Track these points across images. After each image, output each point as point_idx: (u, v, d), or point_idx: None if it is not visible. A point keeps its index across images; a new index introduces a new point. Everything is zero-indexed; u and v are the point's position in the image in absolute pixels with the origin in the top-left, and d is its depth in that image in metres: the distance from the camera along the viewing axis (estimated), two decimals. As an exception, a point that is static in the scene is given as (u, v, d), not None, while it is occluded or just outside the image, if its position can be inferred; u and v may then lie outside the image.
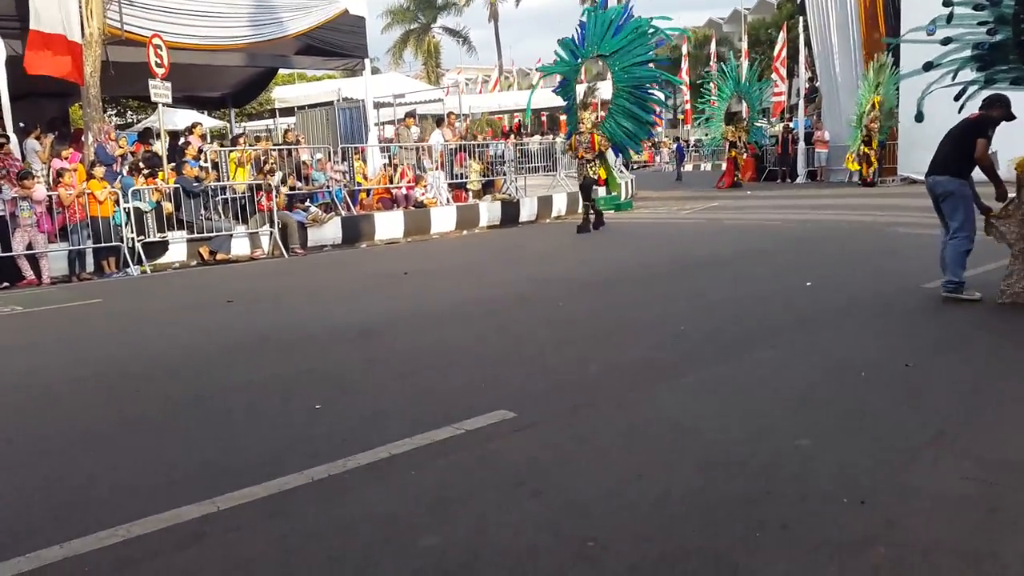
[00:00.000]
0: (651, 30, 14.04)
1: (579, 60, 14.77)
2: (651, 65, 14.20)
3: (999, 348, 5.42)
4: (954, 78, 6.51)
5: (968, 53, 6.38)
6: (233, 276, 10.94)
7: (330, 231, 13.59)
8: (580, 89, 14.92)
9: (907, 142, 20.80)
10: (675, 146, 37.66)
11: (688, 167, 37.40)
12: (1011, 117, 6.34)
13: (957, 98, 6.78)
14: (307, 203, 13.80)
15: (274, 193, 12.80)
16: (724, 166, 25.74)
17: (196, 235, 12.16)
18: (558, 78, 15.02)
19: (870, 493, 3.19)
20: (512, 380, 5.05)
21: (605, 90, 17.21)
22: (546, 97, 19.71)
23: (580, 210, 14.37)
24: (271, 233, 12.66)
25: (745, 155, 24.53)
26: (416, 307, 7.76)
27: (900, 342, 5.64)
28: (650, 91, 14.29)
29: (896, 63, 19.74)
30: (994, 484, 3.27)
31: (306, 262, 12.13)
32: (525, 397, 4.63)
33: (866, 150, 20.97)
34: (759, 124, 25.36)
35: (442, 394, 4.80)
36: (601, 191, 17.17)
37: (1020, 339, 5.63)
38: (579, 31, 14.61)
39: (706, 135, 26.78)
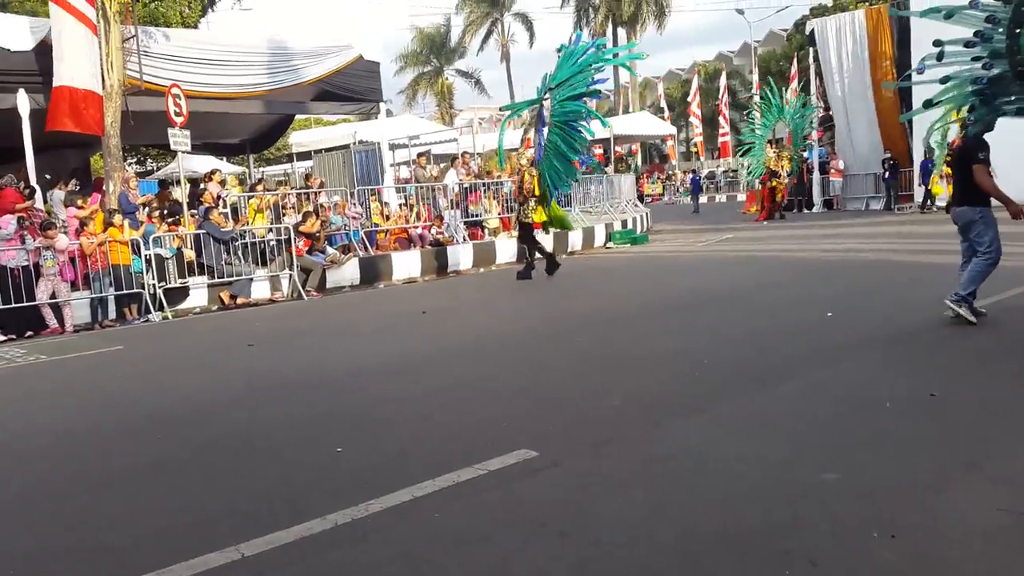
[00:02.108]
0: (596, 65, 12.65)
1: (539, 96, 13.40)
2: (585, 100, 12.76)
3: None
4: (958, 113, 6.53)
5: (968, 89, 6.39)
6: (254, 319, 11.02)
7: (348, 272, 13.70)
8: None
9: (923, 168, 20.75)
10: (690, 178, 37.78)
11: (704, 199, 37.40)
12: (988, 128, 6.51)
13: (963, 128, 6.80)
14: (326, 245, 13.94)
15: (297, 238, 12.93)
16: (743, 193, 25.54)
17: (216, 280, 12.28)
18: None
19: (900, 526, 3.13)
20: (533, 417, 5.03)
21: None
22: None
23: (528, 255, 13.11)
24: (291, 276, 12.77)
25: (786, 185, 23.52)
26: (435, 346, 7.78)
27: (924, 371, 5.58)
28: (578, 127, 12.76)
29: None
30: (1028, 515, 3.20)
31: (325, 303, 12.20)
32: (547, 435, 4.60)
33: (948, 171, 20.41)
34: (804, 151, 24.36)
35: (463, 433, 4.78)
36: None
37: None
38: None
39: (744, 166, 25.85)
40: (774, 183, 22.77)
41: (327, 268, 13.28)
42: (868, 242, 14.38)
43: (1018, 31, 5.89)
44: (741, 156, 26.60)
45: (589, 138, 13.31)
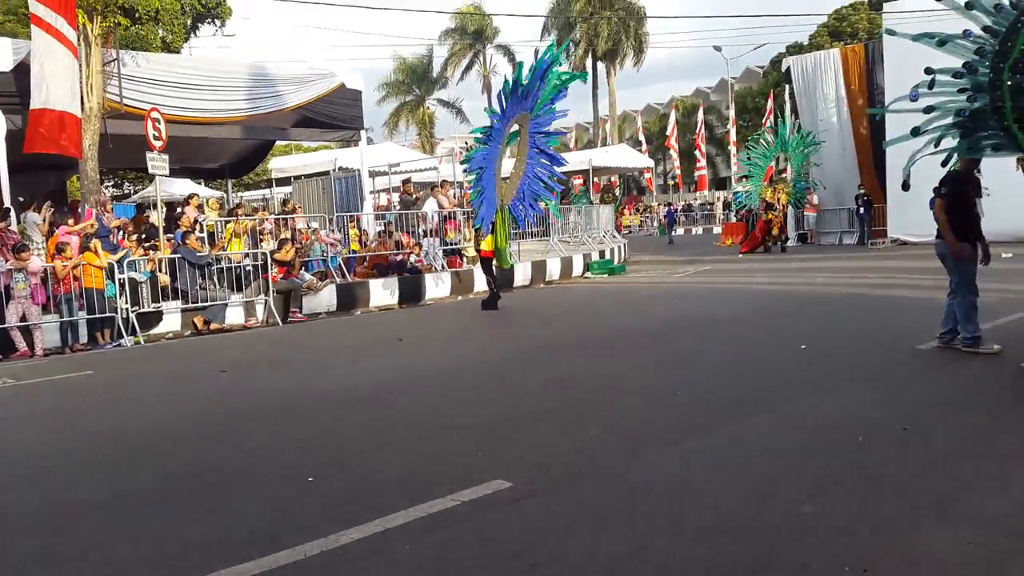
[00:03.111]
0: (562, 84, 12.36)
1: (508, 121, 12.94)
2: (550, 134, 12.69)
3: (996, 409, 5.39)
4: (937, 145, 6.60)
5: (950, 120, 6.49)
6: (227, 345, 10.90)
7: (325, 298, 13.62)
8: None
9: (896, 204, 21.11)
10: (665, 211, 38.20)
11: (680, 231, 37.79)
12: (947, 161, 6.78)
13: (944, 164, 6.89)
14: (302, 271, 13.86)
15: (273, 264, 12.86)
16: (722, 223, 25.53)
17: (190, 305, 12.16)
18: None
19: (873, 560, 3.13)
20: (508, 447, 5.00)
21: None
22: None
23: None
24: (266, 302, 12.68)
25: (781, 218, 23.08)
26: (410, 374, 7.73)
27: (896, 404, 5.62)
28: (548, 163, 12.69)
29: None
30: (1000, 549, 3.22)
31: (300, 330, 12.11)
32: (522, 465, 4.57)
33: None
34: (806, 184, 23.79)
35: (437, 463, 4.74)
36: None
37: (1016, 399, 5.62)
38: (498, 100, 13.05)
39: (744, 191, 25.08)
40: (769, 215, 22.58)
41: (304, 294, 13.20)
42: (842, 276, 14.55)
43: (1002, 66, 6.02)
44: (739, 183, 26.46)
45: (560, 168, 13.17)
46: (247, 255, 13.17)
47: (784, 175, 23.90)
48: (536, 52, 12.57)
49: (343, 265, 14.66)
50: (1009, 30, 5.94)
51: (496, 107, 12.85)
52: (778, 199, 22.83)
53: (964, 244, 6.87)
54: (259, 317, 12.71)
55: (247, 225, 13.98)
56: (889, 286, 12.46)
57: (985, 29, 6.14)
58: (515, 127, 12.65)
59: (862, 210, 22.51)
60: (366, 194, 17.97)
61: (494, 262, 12.84)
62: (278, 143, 25.91)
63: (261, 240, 13.83)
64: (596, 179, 32.25)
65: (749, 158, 24.65)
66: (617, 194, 34.26)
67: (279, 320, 12.53)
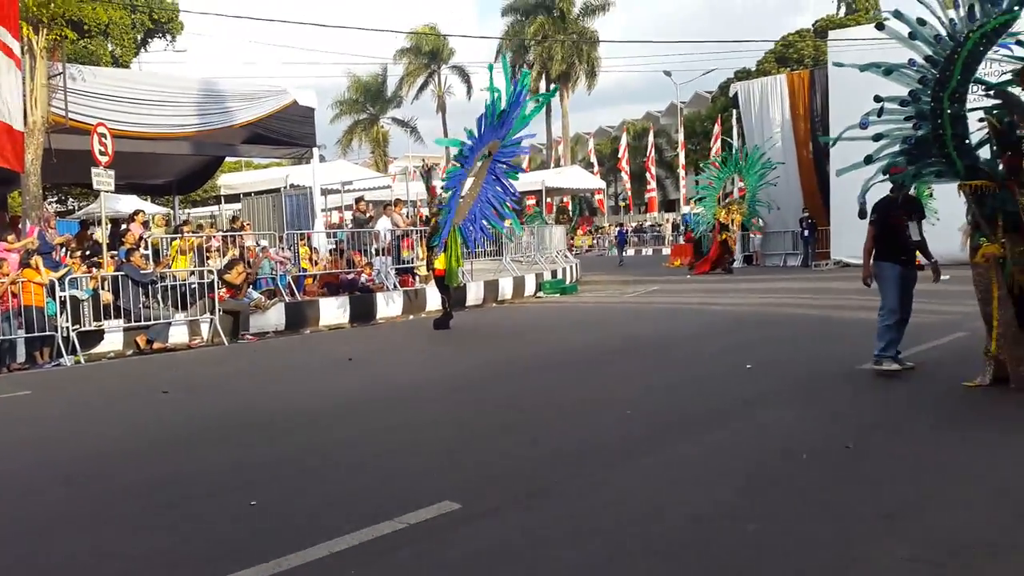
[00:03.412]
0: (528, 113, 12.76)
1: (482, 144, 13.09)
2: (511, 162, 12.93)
3: (937, 428, 5.52)
4: (886, 172, 6.78)
5: (898, 148, 6.68)
6: (171, 365, 10.65)
7: (273, 317, 13.41)
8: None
9: (839, 227, 21.70)
10: (617, 232, 38.68)
11: (630, 252, 38.25)
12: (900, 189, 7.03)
13: (893, 191, 7.07)
14: (250, 289, 13.64)
15: (221, 284, 12.63)
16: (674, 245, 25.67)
17: (133, 323, 11.86)
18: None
19: (816, 579, 3.18)
20: (458, 468, 4.97)
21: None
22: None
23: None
24: (212, 321, 12.43)
25: (735, 239, 23.47)
26: (360, 394, 7.64)
27: (840, 423, 5.74)
28: (507, 187, 12.82)
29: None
30: (943, 566, 3.29)
31: (247, 349, 11.89)
32: (472, 486, 4.54)
33: None
34: (759, 207, 23.81)
35: (385, 485, 4.68)
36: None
37: (956, 418, 5.77)
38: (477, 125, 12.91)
39: (697, 213, 25.04)
40: (724, 236, 22.78)
41: (251, 313, 12.99)
42: (787, 296, 14.87)
43: (942, 95, 6.23)
44: (696, 204, 26.33)
45: (514, 193, 13.29)
46: (193, 273, 12.91)
47: (737, 196, 24.08)
48: (491, 69, 12.63)
49: (292, 283, 14.47)
50: (947, 60, 6.17)
51: (475, 130, 12.87)
52: (732, 220, 23.03)
53: (884, 264, 7.17)
54: (204, 336, 12.45)
55: (194, 242, 13.73)
56: (832, 307, 12.76)
57: (927, 59, 6.36)
58: (487, 151, 12.74)
59: (806, 233, 23.11)
60: (318, 212, 17.80)
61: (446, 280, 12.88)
62: (228, 160, 25.58)
63: (208, 257, 13.58)
64: (549, 199, 32.54)
65: (698, 182, 24.94)
66: (571, 216, 34.57)
67: (225, 340, 12.29)
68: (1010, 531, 3.63)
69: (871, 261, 7.30)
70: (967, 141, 6.42)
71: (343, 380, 8.66)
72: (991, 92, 6.58)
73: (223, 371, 9.97)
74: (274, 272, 14.26)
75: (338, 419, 6.58)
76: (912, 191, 7.31)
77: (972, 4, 6.10)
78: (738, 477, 4.55)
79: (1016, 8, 6.03)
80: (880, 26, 6.55)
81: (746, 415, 6.04)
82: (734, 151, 24.26)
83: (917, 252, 7.35)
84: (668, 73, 41.20)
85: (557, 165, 44.80)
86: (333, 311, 14.20)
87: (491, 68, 12.58)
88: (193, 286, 12.63)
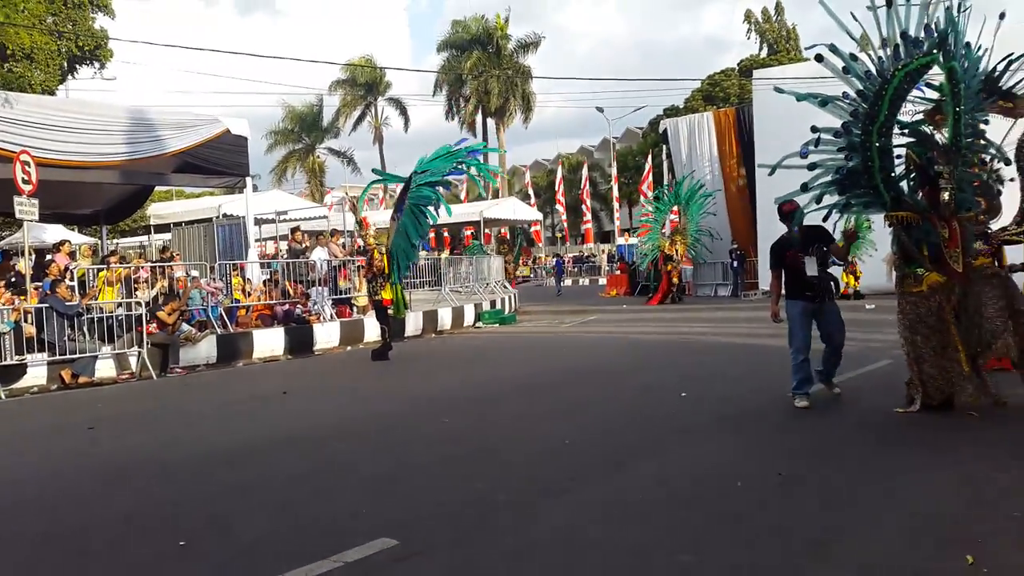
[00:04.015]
0: (463, 161, 13.27)
1: (410, 178, 13.55)
2: (440, 188, 13.19)
3: (867, 455, 5.67)
4: (819, 201, 7.01)
5: (829, 177, 6.89)
6: (97, 401, 10.27)
7: (204, 350, 13.08)
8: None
9: (766, 258, 22.33)
10: (554, 262, 39.06)
11: (568, 282, 38.62)
12: (792, 225, 7.21)
13: (825, 219, 7.29)
14: (180, 321, 13.29)
15: (151, 319, 12.29)
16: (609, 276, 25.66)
17: (58, 357, 11.43)
18: None
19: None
20: (396, 504, 4.92)
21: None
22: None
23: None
24: (139, 354, 12.06)
25: (680, 269, 23.31)
26: (294, 429, 7.49)
27: (773, 451, 5.90)
28: (425, 212, 13.06)
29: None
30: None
31: (177, 384, 11.55)
32: (409, 522, 4.50)
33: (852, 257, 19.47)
34: (702, 236, 23.90)
35: (320, 523, 4.60)
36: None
37: (884, 444, 5.94)
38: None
39: (643, 246, 24.97)
40: (668, 267, 22.79)
41: (182, 346, 12.65)
42: (718, 326, 15.24)
43: (871, 128, 6.51)
44: (637, 240, 26.46)
45: (432, 223, 13.48)
46: (121, 305, 12.53)
47: (668, 229, 24.20)
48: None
49: (225, 315, 14.17)
50: (876, 95, 6.48)
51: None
52: (676, 250, 23.08)
53: (789, 302, 7.33)
54: (133, 370, 12.06)
55: (121, 273, 13.34)
56: (761, 335, 13.10)
57: (858, 93, 6.67)
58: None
59: (735, 264, 23.76)
60: (251, 242, 17.51)
61: (390, 311, 12.90)
62: (158, 189, 24.98)
63: (136, 289, 13.21)
64: (487, 230, 32.70)
65: (645, 213, 25.19)
66: (515, 245, 34.64)
67: (153, 374, 11.93)
68: (935, 557, 3.77)
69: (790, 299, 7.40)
70: (893, 174, 6.74)
71: (276, 414, 8.50)
72: (905, 131, 6.93)
73: (151, 407, 9.67)
74: (205, 303, 13.95)
75: (271, 455, 6.44)
76: (836, 219, 7.37)
77: (897, 44, 6.44)
78: (673, 507, 4.63)
79: (935, 52, 6.41)
80: (819, 58, 6.80)
81: (681, 444, 6.16)
82: (675, 181, 24.40)
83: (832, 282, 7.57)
84: (601, 109, 42.09)
85: (494, 196, 45.14)
86: (267, 343, 13.94)
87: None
88: (120, 318, 12.26)
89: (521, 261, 44.43)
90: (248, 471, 5.98)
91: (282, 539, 4.34)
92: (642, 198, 33.48)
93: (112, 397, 10.58)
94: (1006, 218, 7.97)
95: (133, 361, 12.12)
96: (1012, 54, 6.96)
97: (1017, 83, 7.04)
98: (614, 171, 45.94)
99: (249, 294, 15.30)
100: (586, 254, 49.82)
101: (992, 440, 5.88)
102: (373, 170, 20.53)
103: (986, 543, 3.83)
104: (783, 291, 7.43)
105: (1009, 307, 7.00)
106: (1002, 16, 6.83)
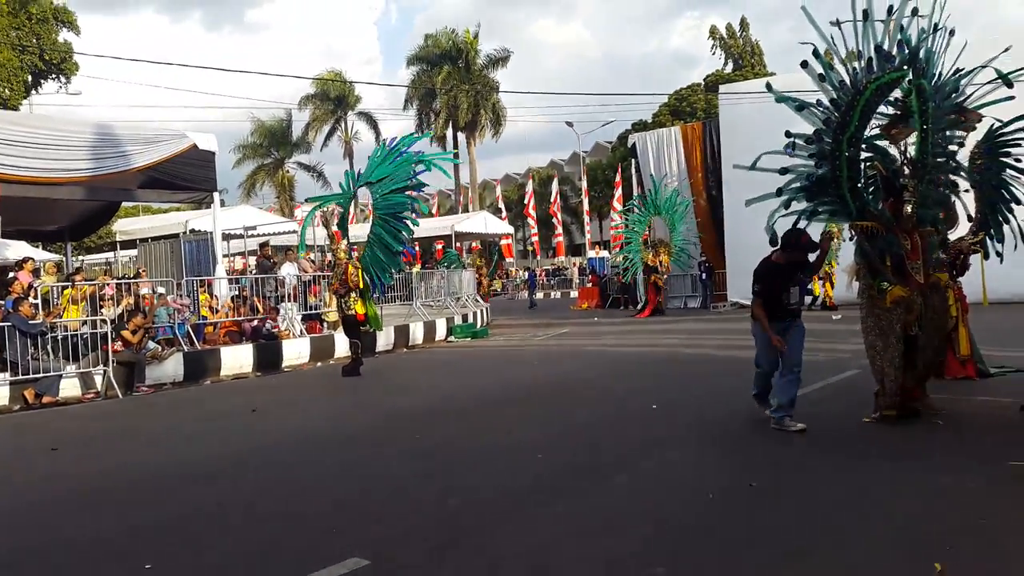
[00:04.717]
0: (419, 161, 13.31)
1: (353, 190, 13.88)
2: (408, 192, 13.19)
3: (836, 463, 5.73)
4: (787, 207, 7.08)
5: (800, 184, 6.95)
6: (60, 421, 10.07)
7: (170, 368, 12.89)
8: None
9: (734, 270, 22.65)
10: (527, 275, 39.15)
11: (540, 295, 38.70)
12: (799, 258, 6.86)
13: (794, 225, 7.35)
14: (146, 339, 13.10)
15: (116, 338, 12.08)
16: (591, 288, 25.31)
17: (20, 376, 11.19)
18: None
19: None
20: (367, 522, 4.87)
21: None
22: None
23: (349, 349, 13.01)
24: (105, 373, 11.86)
25: (664, 279, 23.15)
26: (264, 447, 7.40)
27: (744, 461, 5.94)
28: (403, 219, 13.14)
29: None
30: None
31: (143, 403, 11.36)
32: (382, 540, 4.46)
33: (827, 268, 19.17)
34: (684, 246, 23.60)
35: (291, 543, 4.54)
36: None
37: (854, 453, 6.00)
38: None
39: (623, 259, 24.58)
40: (653, 278, 22.70)
41: (148, 364, 12.46)
42: (690, 337, 15.35)
43: (841, 137, 6.61)
44: (610, 254, 26.21)
45: (414, 229, 13.58)
46: (85, 323, 12.32)
47: (657, 238, 23.85)
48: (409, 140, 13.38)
49: (192, 332, 13.98)
50: (848, 106, 6.60)
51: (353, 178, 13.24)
52: (660, 261, 22.88)
53: (771, 324, 6.87)
54: (98, 389, 11.85)
55: (86, 290, 13.12)
56: (730, 347, 13.24)
57: (832, 102, 6.78)
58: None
59: (704, 276, 23.98)
60: (219, 257, 17.32)
61: (366, 326, 12.90)
62: (125, 204, 24.65)
63: (102, 306, 12.99)
64: (458, 244, 32.69)
65: (627, 225, 24.62)
66: (491, 259, 34.44)
67: (119, 392, 11.72)
68: (905, 565, 3.81)
69: (755, 321, 7.07)
70: (860, 184, 6.86)
71: (244, 433, 8.38)
72: (863, 144, 7.05)
73: (116, 426, 9.50)
74: (172, 320, 13.76)
75: (239, 474, 6.36)
76: (804, 225, 7.09)
77: (870, 57, 6.58)
78: (648, 519, 4.64)
79: (905, 67, 6.55)
80: (804, 64, 6.85)
81: (654, 456, 6.18)
82: (656, 188, 23.97)
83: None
84: (570, 123, 42.48)
85: (465, 210, 45.19)
86: (235, 360, 13.77)
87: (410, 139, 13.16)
88: (85, 336, 12.05)
89: (497, 275, 44.49)
90: (216, 491, 5.89)
91: (251, 560, 4.28)
92: (620, 207, 33.61)
93: (77, 417, 10.37)
94: (963, 228, 8.19)
95: (98, 380, 11.90)
96: (961, 69, 7.14)
97: (967, 96, 7.23)
98: (584, 185, 46.29)
99: (216, 310, 15.12)
100: (555, 267, 50.03)
101: (956, 447, 5.99)
102: (307, 199, 20.28)
103: (953, 550, 3.88)
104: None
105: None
106: (952, 33, 7.00)
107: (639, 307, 23.45)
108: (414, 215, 13.28)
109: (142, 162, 15.43)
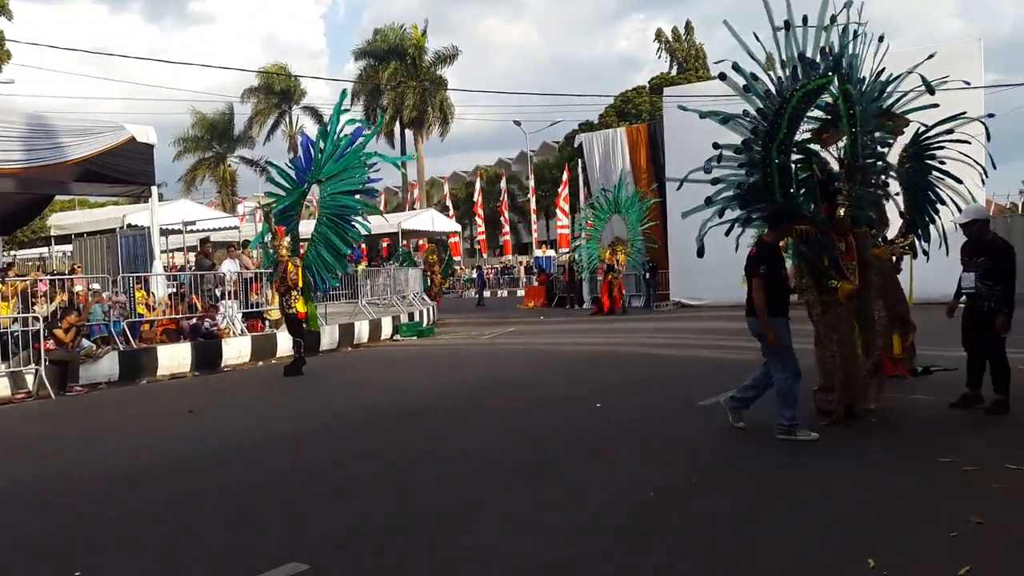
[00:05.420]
0: (372, 161, 13.13)
1: (304, 186, 13.40)
2: (358, 196, 13.01)
3: (776, 463, 5.84)
4: (721, 215, 7.19)
5: (731, 192, 7.09)
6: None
7: (105, 367, 12.52)
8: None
9: (677, 270, 23.04)
10: (475, 273, 39.15)
11: (486, 293, 38.74)
12: (785, 233, 6.83)
13: (727, 234, 7.51)
14: (80, 337, 12.70)
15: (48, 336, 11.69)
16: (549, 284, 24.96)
17: (-57, 377, 10.76)
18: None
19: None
20: (308, 526, 4.79)
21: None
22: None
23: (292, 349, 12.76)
24: (37, 372, 11.46)
25: (621, 278, 22.92)
26: (199, 449, 7.22)
27: (684, 459, 6.03)
28: (352, 223, 12.99)
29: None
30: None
31: (77, 403, 11.02)
32: (322, 544, 4.40)
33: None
34: (639, 245, 23.30)
35: (228, 548, 4.45)
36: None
37: (793, 454, 6.09)
38: (303, 152, 13.55)
39: (580, 258, 24.58)
40: (610, 277, 22.44)
41: (81, 363, 12.09)
42: (634, 336, 15.54)
43: (771, 146, 6.74)
44: (575, 250, 25.64)
45: (364, 233, 13.39)
46: (16, 320, 11.89)
47: (617, 237, 23.67)
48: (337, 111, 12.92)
49: (128, 330, 13.61)
50: (775, 114, 6.74)
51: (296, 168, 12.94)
52: (617, 260, 22.72)
53: (780, 320, 6.49)
54: (30, 389, 11.45)
55: (18, 287, 12.66)
56: (674, 346, 13.46)
57: (758, 111, 6.92)
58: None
59: (648, 276, 24.32)
60: (157, 253, 16.90)
61: (305, 324, 12.67)
62: (60, 198, 23.86)
63: (34, 303, 12.55)
64: (405, 241, 32.50)
65: (587, 220, 24.56)
66: (443, 258, 34.00)
67: (52, 392, 11.35)
68: (840, 561, 3.91)
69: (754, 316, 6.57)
70: (792, 189, 7.03)
71: (181, 434, 8.17)
72: (794, 148, 7.23)
73: (49, 427, 9.19)
74: (107, 318, 13.37)
75: (173, 478, 6.19)
76: (738, 232, 7.23)
77: (795, 66, 6.74)
78: (589, 518, 4.68)
79: (830, 74, 6.74)
80: (723, 76, 7.01)
81: (598, 454, 6.24)
82: (618, 186, 23.84)
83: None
84: (518, 123, 42.66)
85: (413, 208, 44.93)
86: (173, 359, 13.44)
87: (337, 110, 12.82)
88: (16, 334, 11.63)
89: (451, 274, 44.33)
90: (151, 495, 5.74)
91: (186, 566, 4.19)
92: (566, 206, 33.78)
93: (6, 418, 10.01)
94: (893, 229, 8.48)
95: (30, 379, 11.50)
96: (891, 74, 7.38)
97: (895, 102, 7.48)
98: (532, 183, 46.45)
99: (153, 308, 14.75)
100: (502, 265, 50.15)
101: (890, 444, 6.17)
102: (262, 206, 19.21)
103: (886, 546, 4.00)
104: (751, 307, 6.61)
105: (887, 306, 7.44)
106: (881, 39, 7.23)
107: (597, 307, 23.11)
108: (365, 220, 13.05)
109: (78, 154, 14.96)
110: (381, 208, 41.46)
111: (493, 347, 15.59)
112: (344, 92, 14.01)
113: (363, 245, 18.13)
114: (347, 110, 13.62)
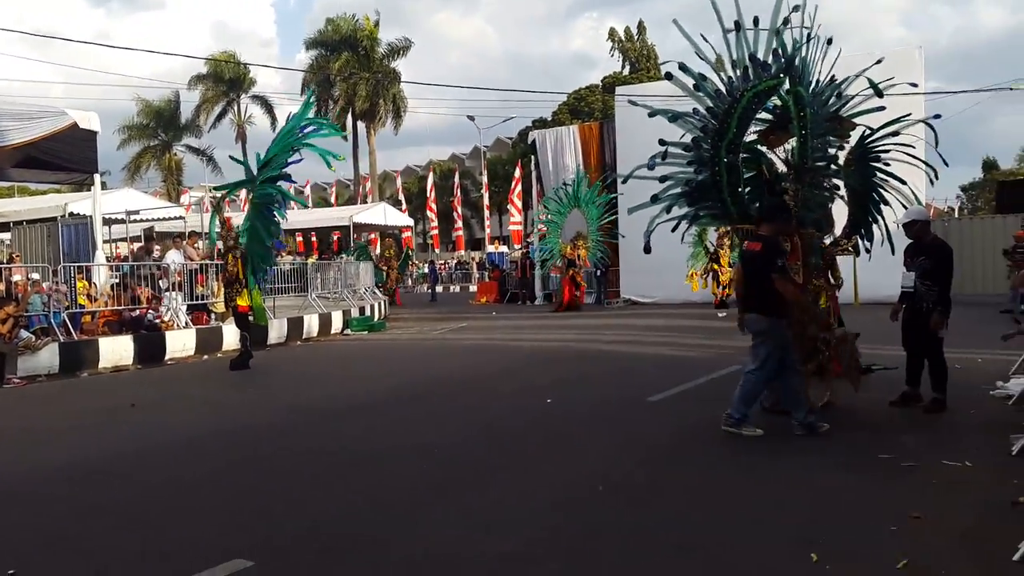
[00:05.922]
0: (299, 146, 12.13)
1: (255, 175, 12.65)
2: (281, 183, 12.13)
3: (728, 462, 5.88)
4: (668, 212, 7.24)
5: (679, 190, 7.14)
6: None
7: (45, 359, 12.14)
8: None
9: (627, 268, 23.25)
10: (428, 268, 39.00)
11: (439, 288, 38.62)
12: (786, 229, 6.85)
13: (674, 230, 7.55)
14: (18, 328, 12.28)
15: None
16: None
17: None
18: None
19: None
20: (253, 523, 4.70)
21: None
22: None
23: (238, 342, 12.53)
24: (-30, 364, 11.04)
25: (582, 273, 22.73)
26: (141, 445, 7.03)
27: (634, 454, 6.08)
28: (272, 211, 12.15)
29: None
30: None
31: (13, 396, 10.65)
32: (267, 542, 4.32)
33: (716, 267, 19.63)
34: (599, 240, 23.00)
35: (169, 546, 4.34)
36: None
37: (743, 451, 6.15)
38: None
39: (540, 252, 24.30)
40: (571, 272, 22.23)
41: (20, 355, 11.69)
42: (583, 333, 15.63)
43: (720, 144, 6.80)
44: (537, 244, 25.30)
45: (282, 221, 12.56)
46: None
47: (578, 231, 23.29)
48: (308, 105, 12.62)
49: (68, 321, 13.20)
50: (725, 113, 6.82)
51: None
52: (578, 255, 22.49)
53: (784, 322, 6.53)
54: (-39, 381, 11.03)
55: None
56: (624, 342, 13.58)
57: (708, 110, 6.98)
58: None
59: (599, 273, 24.49)
60: (99, 243, 16.42)
61: (250, 317, 12.39)
62: (-4, 184, 23.03)
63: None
64: (356, 235, 32.17)
65: (542, 215, 24.37)
66: (404, 252, 33.44)
67: (-8, 384, 10.96)
68: (784, 557, 3.98)
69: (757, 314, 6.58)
70: (740, 189, 7.12)
71: (123, 429, 7.96)
72: (743, 149, 7.33)
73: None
74: (46, 308, 12.96)
75: (116, 474, 6.03)
76: (684, 229, 7.30)
77: (746, 66, 6.82)
78: (543, 515, 4.68)
79: (781, 75, 6.84)
80: (669, 76, 7.07)
81: (548, 450, 6.25)
82: (578, 180, 23.57)
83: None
84: (472, 118, 42.34)
85: (364, 201, 44.51)
86: (115, 351, 13.09)
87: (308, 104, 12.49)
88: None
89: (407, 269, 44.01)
90: (92, 490, 5.58)
91: (127, 563, 4.08)
92: (519, 202, 33.78)
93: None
94: (837, 230, 8.64)
95: (-38, 372, 11.09)
96: (840, 78, 7.53)
97: (843, 105, 7.64)
98: (485, 179, 46.41)
99: (95, 299, 14.34)
100: (456, 261, 50.07)
101: (830, 442, 6.30)
102: (215, 188, 18.30)
103: (828, 541, 4.09)
104: (760, 306, 6.53)
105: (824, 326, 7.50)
106: (830, 42, 7.38)
107: (556, 301, 22.88)
108: (283, 207, 12.23)
109: (17, 139, 14.47)
110: (332, 201, 40.99)
111: (445, 343, 15.54)
112: (310, 94, 13.50)
113: (313, 236, 17.66)
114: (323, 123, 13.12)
